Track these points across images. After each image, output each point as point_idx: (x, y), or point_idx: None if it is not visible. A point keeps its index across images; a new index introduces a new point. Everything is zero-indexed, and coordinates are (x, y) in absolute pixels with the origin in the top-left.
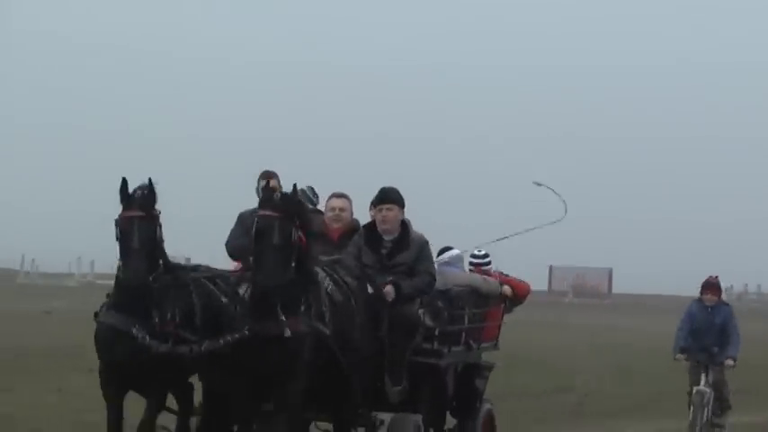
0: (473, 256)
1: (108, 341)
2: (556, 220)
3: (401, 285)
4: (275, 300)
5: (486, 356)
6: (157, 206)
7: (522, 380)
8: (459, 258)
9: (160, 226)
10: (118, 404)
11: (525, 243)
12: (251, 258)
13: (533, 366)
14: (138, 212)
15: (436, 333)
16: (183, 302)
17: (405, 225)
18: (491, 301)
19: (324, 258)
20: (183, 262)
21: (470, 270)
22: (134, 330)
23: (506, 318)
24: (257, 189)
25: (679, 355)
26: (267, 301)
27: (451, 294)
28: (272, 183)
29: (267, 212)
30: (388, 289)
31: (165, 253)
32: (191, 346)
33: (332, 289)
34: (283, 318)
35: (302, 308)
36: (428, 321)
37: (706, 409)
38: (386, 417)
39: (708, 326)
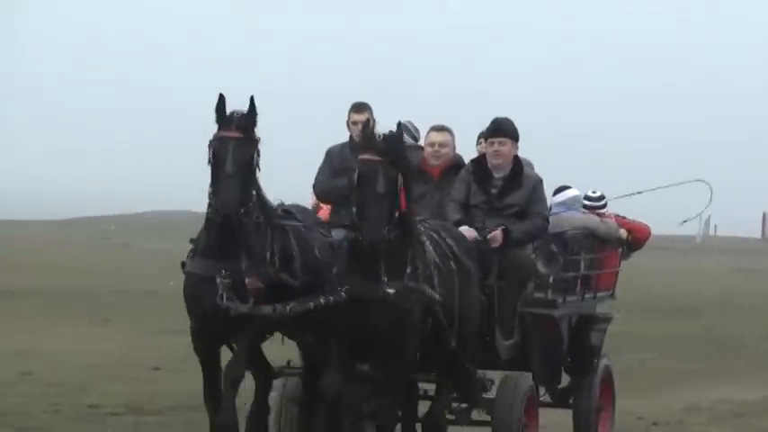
0: (587, 197)
1: (194, 293)
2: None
3: (510, 230)
4: (379, 256)
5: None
6: (257, 130)
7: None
8: (576, 200)
9: (259, 152)
10: (213, 361)
11: (738, 188)
12: (353, 209)
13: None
14: (236, 133)
15: (550, 281)
16: (279, 244)
17: (518, 161)
18: (608, 245)
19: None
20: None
21: (584, 213)
22: (218, 281)
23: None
24: (347, 122)
25: None
26: (371, 257)
27: (566, 238)
28: (363, 117)
29: (369, 156)
30: (496, 234)
31: (260, 186)
32: (274, 306)
33: (431, 250)
34: (386, 279)
35: (408, 269)
36: (541, 268)
37: None
38: (495, 375)
39: None
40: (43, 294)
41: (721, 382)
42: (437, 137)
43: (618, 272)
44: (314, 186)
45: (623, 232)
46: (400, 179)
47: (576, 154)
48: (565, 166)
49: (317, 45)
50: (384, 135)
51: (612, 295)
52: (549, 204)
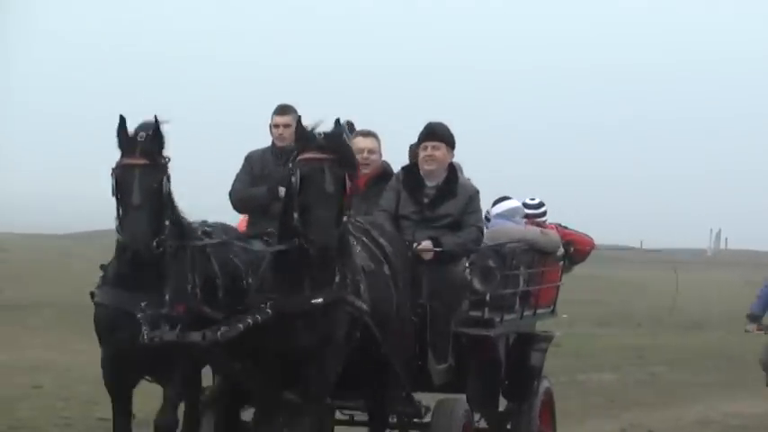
0: (525, 205)
1: (108, 325)
2: None
3: (442, 242)
4: (330, 263)
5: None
6: (165, 152)
7: None
8: (516, 211)
9: (168, 177)
10: (125, 398)
11: (749, 202)
12: (294, 215)
13: None
14: (141, 160)
15: (487, 298)
16: (201, 271)
17: (452, 169)
18: (549, 258)
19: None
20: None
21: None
22: (139, 315)
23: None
24: (270, 126)
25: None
26: (320, 266)
27: (504, 251)
28: (286, 120)
29: (312, 155)
30: (426, 245)
31: (176, 210)
32: (203, 332)
33: (361, 253)
34: (310, 291)
35: (337, 277)
36: (477, 284)
37: None
38: (427, 398)
39: None
40: (56, 307)
41: (732, 396)
42: (364, 142)
43: (559, 286)
44: (230, 194)
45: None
46: (347, 179)
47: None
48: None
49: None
50: (325, 133)
51: (553, 312)
52: (486, 215)
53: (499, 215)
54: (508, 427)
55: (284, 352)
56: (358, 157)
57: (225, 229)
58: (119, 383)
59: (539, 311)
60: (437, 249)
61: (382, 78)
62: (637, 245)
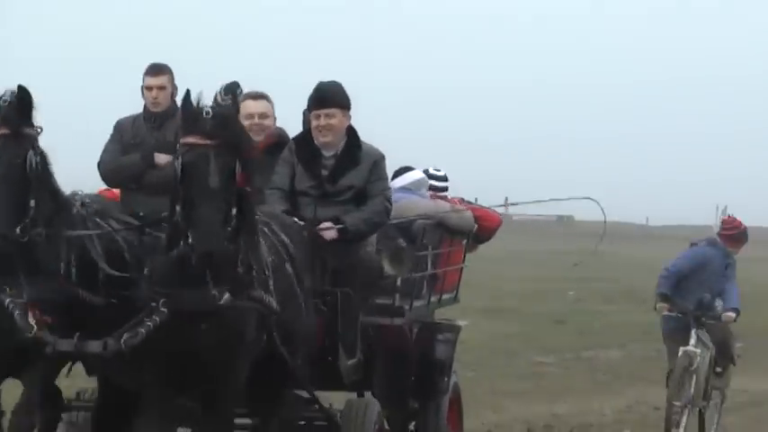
0: (429, 176)
1: None
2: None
3: (345, 220)
4: (215, 267)
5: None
6: (35, 120)
7: None
8: (421, 183)
9: (37, 150)
10: None
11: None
12: (176, 208)
13: None
14: (5, 129)
15: (398, 283)
16: (77, 251)
17: (352, 134)
18: (456, 237)
19: None
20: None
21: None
22: (7, 301)
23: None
24: (141, 88)
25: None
26: (201, 267)
27: (413, 229)
28: (159, 82)
29: (195, 139)
30: (326, 227)
31: (52, 187)
32: (104, 341)
33: (264, 247)
34: (214, 287)
35: (240, 269)
36: (387, 267)
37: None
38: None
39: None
40: None
41: (739, 372)
42: (255, 106)
43: (462, 269)
44: (98, 165)
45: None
46: (238, 166)
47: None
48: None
49: None
50: (212, 108)
51: (456, 298)
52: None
53: (403, 188)
54: (411, 428)
55: (182, 355)
56: (248, 123)
57: (100, 201)
58: None
59: (444, 297)
60: (338, 227)
61: None
62: (642, 221)
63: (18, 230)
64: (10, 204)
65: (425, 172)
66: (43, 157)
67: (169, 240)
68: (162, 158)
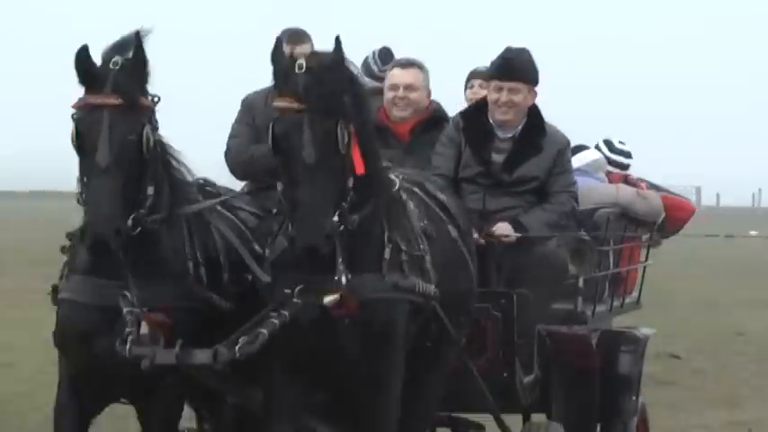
0: (611, 149)
1: (78, 330)
2: None
3: (525, 223)
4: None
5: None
6: (151, 88)
7: None
8: (599, 165)
9: (154, 124)
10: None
11: None
12: (279, 189)
13: None
14: (112, 99)
15: (580, 284)
16: (202, 247)
17: (536, 114)
18: (641, 229)
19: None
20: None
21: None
22: (125, 311)
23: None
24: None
25: None
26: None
27: (595, 221)
28: (305, 50)
29: (287, 103)
30: (503, 228)
31: (171, 169)
32: (215, 350)
33: (416, 212)
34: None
35: (387, 251)
36: (570, 266)
37: None
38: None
39: None
40: None
41: None
42: (403, 76)
43: (645, 268)
44: (225, 155)
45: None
46: (344, 135)
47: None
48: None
49: None
50: (308, 65)
51: (638, 301)
52: None
53: (578, 170)
54: None
55: (317, 355)
56: (390, 95)
57: (225, 190)
58: (80, 411)
59: (626, 302)
60: (518, 235)
61: None
62: None
63: (130, 222)
64: (123, 191)
65: (607, 143)
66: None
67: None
68: None
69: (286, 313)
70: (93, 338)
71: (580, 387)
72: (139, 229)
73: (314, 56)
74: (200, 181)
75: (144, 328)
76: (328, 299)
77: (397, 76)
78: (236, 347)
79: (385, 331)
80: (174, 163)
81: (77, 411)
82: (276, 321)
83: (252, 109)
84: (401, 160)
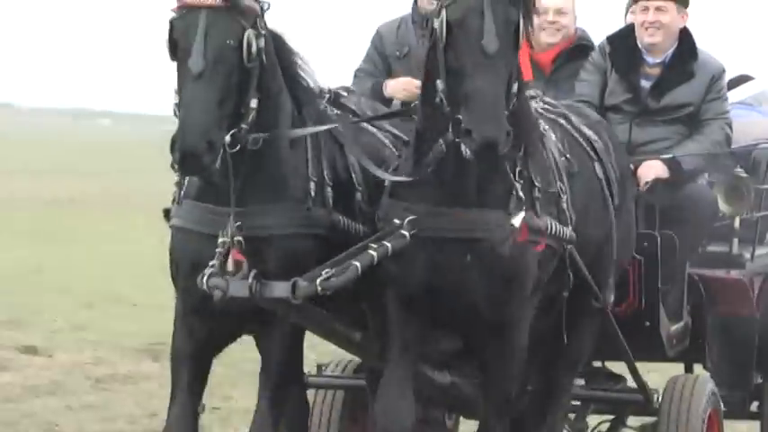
0: None
1: (192, 259)
2: None
3: (678, 162)
4: (496, 166)
5: None
6: None
7: None
8: (764, 98)
9: (261, 30)
10: (200, 371)
11: None
12: (439, 86)
13: None
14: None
15: (735, 225)
16: (330, 163)
17: (686, 39)
18: None
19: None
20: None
21: None
22: (220, 241)
23: None
24: None
25: None
26: (484, 168)
27: (755, 158)
28: None
29: None
30: (655, 167)
31: (276, 83)
32: (294, 282)
33: (558, 146)
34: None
35: (518, 186)
36: (722, 205)
37: None
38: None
39: None
40: None
41: None
42: (552, 0)
43: None
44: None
45: None
46: (521, 22)
47: None
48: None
49: None
50: None
51: None
52: None
53: (741, 103)
54: (753, 409)
55: (436, 295)
56: (539, 20)
57: (372, 108)
58: (198, 348)
59: None
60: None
61: None
62: None
63: (228, 138)
64: (219, 102)
65: None
66: (275, 41)
67: (422, 135)
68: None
69: (388, 245)
70: (203, 269)
71: (737, 336)
72: (239, 146)
73: None
74: (335, 91)
75: (230, 265)
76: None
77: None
78: (318, 280)
79: (511, 276)
80: (297, 71)
81: (195, 355)
82: (374, 254)
83: (383, 39)
84: (543, 89)
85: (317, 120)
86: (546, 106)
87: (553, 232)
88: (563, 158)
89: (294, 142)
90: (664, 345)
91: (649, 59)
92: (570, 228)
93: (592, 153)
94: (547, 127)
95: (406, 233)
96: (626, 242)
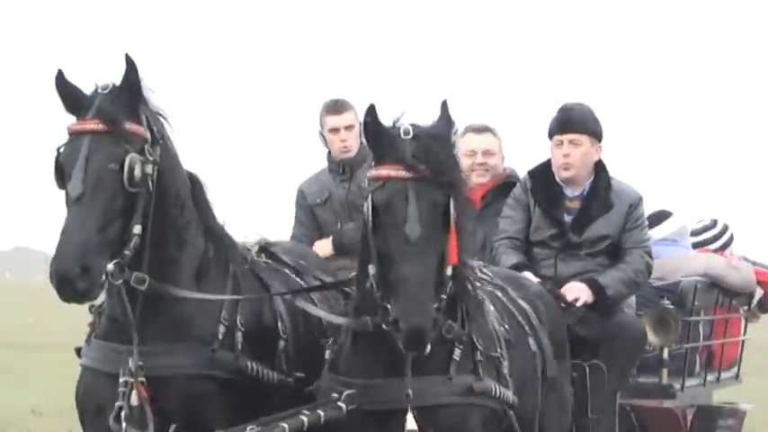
0: (703, 227)
1: (94, 399)
2: None
3: (601, 283)
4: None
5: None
6: (145, 112)
7: None
8: (685, 232)
9: (150, 155)
10: None
11: None
12: (369, 270)
13: None
14: (96, 124)
15: (664, 356)
16: (253, 311)
17: (602, 170)
18: (736, 301)
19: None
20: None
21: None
22: (121, 380)
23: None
24: (320, 133)
25: None
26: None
27: (682, 289)
28: (345, 121)
29: (392, 170)
30: (578, 288)
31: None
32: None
33: (496, 315)
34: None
35: (457, 353)
36: (651, 336)
37: None
38: None
39: None
40: None
41: None
42: (478, 141)
43: (743, 342)
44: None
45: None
46: (453, 209)
47: None
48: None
49: None
50: (413, 127)
51: (737, 377)
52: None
53: (666, 240)
54: None
55: None
56: (469, 161)
57: (304, 254)
58: None
59: (722, 376)
60: (593, 290)
61: None
62: None
63: (111, 267)
64: (98, 229)
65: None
66: (193, 183)
67: (356, 313)
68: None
69: (321, 413)
70: (106, 410)
71: None
72: (122, 279)
73: (421, 128)
74: (265, 240)
75: (134, 400)
76: None
77: (474, 141)
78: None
79: None
80: (213, 212)
81: None
82: (305, 419)
83: (304, 194)
84: (473, 227)
85: (240, 263)
86: (485, 277)
87: (497, 395)
88: (502, 329)
89: (210, 281)
90: None
91: (568, 193)
92: (511, 392)
93: (527, 327)
94: (484, 296)
95: (343, 405)
96: (560, 416)
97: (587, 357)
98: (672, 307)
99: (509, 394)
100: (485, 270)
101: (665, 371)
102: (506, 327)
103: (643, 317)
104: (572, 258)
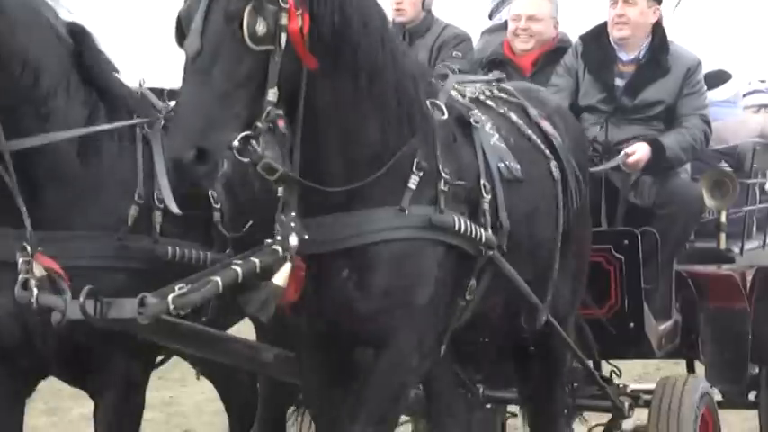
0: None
1: None
2: None
3: (662, 143)
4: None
5: None
6: None
7: None
8: (739, 95)
9: None
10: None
11: None
12: None
13: None
14: None
15: (722, 219)
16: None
17: (660, 32)
18: None
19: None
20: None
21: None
22: (19, 260)
23: None
24: None
25: None
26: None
27: (739, 153)
28: None
29: None
30: (638, 150)
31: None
32: (141, 297)
33: (500, 145)
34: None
35: (413, 181)
36: (708, 200)
37: None
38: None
39: None
40: None
41: None
42: (525, 6)
43: None
44: None
45: None
46: (261, 23)
47: None
48: None
49: None
50: None
51: None
52: None
53: (727, 101)
54: (751, 398)
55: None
56: (513, 26)
57: None
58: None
59: None
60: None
61: None
62: None
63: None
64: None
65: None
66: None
67: None
68: None
69: (256, 260)
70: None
71: (730, 330)
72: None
73: None
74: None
75: (39, 271)
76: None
77: (518, 5)
78: (170, 296)
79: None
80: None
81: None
82: (239, 269)
83: None
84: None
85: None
86: (501, 95)
87: (462, 231)
88: (501, 164)
89: (117, 148)
90: (653, 344)
91: (622, 56)
92: (489, 231)
93: (548, 151)
94: (483, 118)
95: (279, 248)
96: (583, 245)
97: (640, 224)
98: (729, 170)
99: (481, 231)
100: (502, 86)
101: (722, 235)
102: (514, 160)
103: (700, 181)
104: (624, 123)
